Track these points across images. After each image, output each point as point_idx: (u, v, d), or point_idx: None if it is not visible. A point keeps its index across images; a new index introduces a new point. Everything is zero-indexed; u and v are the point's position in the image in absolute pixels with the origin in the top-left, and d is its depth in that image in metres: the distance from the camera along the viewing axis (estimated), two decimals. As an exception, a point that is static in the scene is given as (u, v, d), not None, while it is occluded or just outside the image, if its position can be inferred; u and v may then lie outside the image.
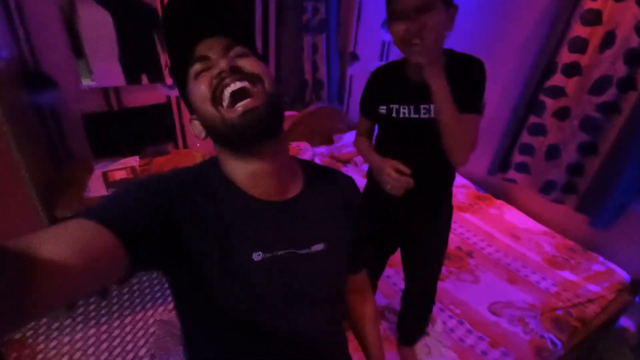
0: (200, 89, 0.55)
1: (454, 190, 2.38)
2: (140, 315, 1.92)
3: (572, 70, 1.83)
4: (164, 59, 2.04)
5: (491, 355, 1.36)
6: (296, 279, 0.62)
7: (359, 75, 2.82)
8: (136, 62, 2.02)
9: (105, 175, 1.87)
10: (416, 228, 1.24)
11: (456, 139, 0.96)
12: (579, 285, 1.70)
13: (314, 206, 0.66)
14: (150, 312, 1.94)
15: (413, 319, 1.44)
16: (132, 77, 2.03)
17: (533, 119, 2.04)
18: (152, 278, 2.14)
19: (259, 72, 0.56)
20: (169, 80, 2.08)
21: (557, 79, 1.89)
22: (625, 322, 1.81)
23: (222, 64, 0.54)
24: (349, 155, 2.72)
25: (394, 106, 1.07)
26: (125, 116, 2.02)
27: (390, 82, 1.09)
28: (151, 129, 2.10)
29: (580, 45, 1.78)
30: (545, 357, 1.37)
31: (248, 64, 0.56)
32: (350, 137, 2.75)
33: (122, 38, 1.93)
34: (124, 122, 2.01)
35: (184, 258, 0.56)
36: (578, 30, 1.77)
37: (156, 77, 2.08)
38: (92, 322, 1.86)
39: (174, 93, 2.15)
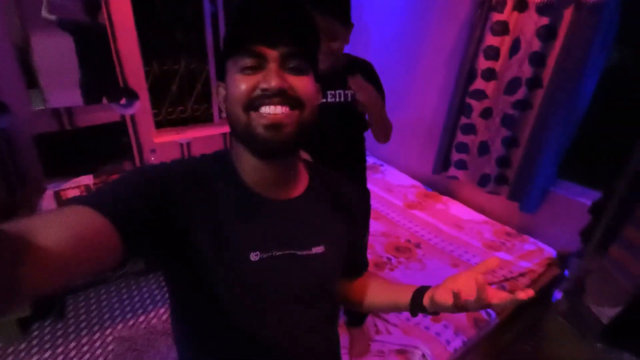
0: (240, 88, 0.53)
1: (405, 190, 2.55)
2: (97, 334, 1.89)
3: (489, 74, 2.08)
4: (121, 80, 2.11)
5: (433, 329, 1.47)
6: (294, 280, 0.62)
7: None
8: (96, 83, 2.08)
9: (57, 194, 1.88)
10: None
11: (387, 128, 1.25)
12: (513, 263, 1.88)
13: (316, 208, 0.66)
14: (108, 331, 1.91)
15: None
16: (91, 98, 2.07)
17: (464, 120, 2.27)
18: (110, 295, 2.12)
19: (305, 98, 0.54)
20: (123, 100, 2.15)
21: (479, 83, 2.13)
22: (558, 295, 2.00)
23: (274, 82, 0.51)
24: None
25: None
26: (77, 135, 2.05)
27: None
28: (105, 147, 2.14)
29: (493, 53, 2.04)
30: (482, 327, 1.50)
31: (299, 86, 0.54)
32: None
33: (83, 61, 1.98)
34: (76, 141, 2.04)
35: (178, 251, 0.55)
36: (490, 40, 2.03)
37: (116, 97, 2.13)
38: (48, 345, 1.81)
39: (129, 112, 2.21)
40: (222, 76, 0.58)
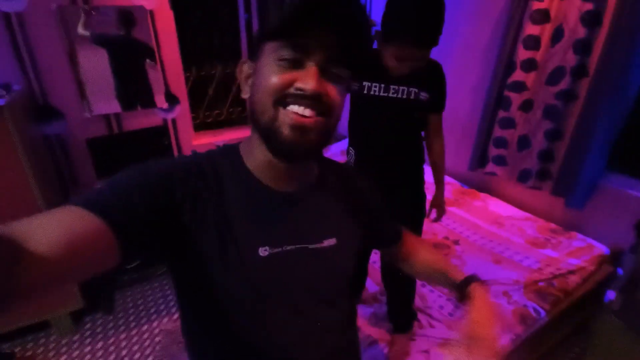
0: (273, 80, 0.50)
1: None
2: (145, 327, 1.98)
3: (529, 65, 2.01)
4: (159, 87, 2.22)
5: (478, 325, 1.43)
6: (306, 275, 0.60)
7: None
8: (131, 92, 2.20)
9: (108, 193, 2.00)
10: (392, 207, 1.35)
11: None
12: (561, 260, 1.79)
13: (326, 199, 0.65)
14: (155, 323, 2.00)
15: (400, 304, 1.48)
16: (127, 106, 2.20)
17: (502, 114, 2.20)
18: (155, 291, 2.22)
19: (334, 106, 0.52)
20: (164, 104, 2.26)
21: (518, 75, 2.06)
22: (611, 295, 1.88)
23: (312, 84, 0.49)
24: (339, 165, 2.87)
25: (366, 84, 1.22)
26: (125, 139, 2.18)
27: (367, 62, 1.23)
28: (149, 149, 2.25)
29: (533, 42, 1.97)
30: (530, 324, 1.44)
31: (332, 93, 0.52)
32: (338, 147, 2.90)
33: (118, 73, 2.12)
34: (123, 144, 2.17)
35: (185, 250, 0.54)
36: (529, 29, 1.96)
37: (149, 103, 2.25)
38: (100, 336, 1.92)
39: (171, 116, 2.32)
40: (253, 55, 0.55)
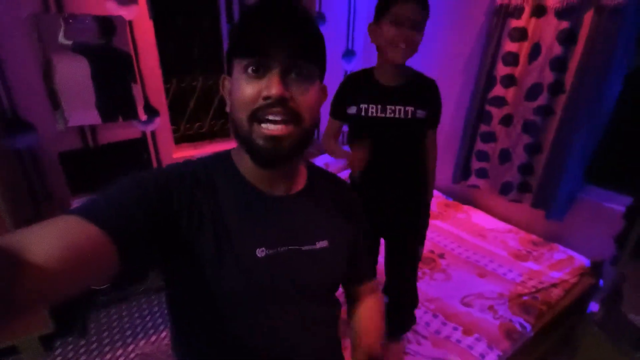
0: (244, 93, 0.53)
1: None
2: (120, 351, 1.88)
3: (508, 81, 2.06)
4: (138, 99, 2.16)
5: (465, 342, 1.41)
6: (300, 275, 0.63)
7: (324, 104, 3.02)
8: (112, 103, 2.13)
9: (82, 209, 1.90)
10: (395, 224, 1.37)
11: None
12: (543, 273, 1.81)
13: (317, 203, 0.67)
14: (131, 347, 1.90)
15: (400, 316, 1.47)
16: (108, 117, 2.13)
17: (484, 128, 2.24)
18: (132, 312, 2.11)
19: (303, 110, 0.55)
20: (143, 117, 2.19)
21: (498, 90, 2.11)
22: (594, 307, 1.91)
23: (274, 90, 0.51)
24: (323, 178, 2.85)
25: (363, 106, 1.22)
26: (101, 152, 2.09)
27: (361, 85, 1.25)
28: (127, 163, 2.17)
29: (512, 59, 2.02)
30: (516, 339, 1.44)
31: (299, 97, 0.54)
32: (321, 160, 2.88)
33: (98, 83, 2.04)
34: (99, 157, 2.08)
35: (182, 255, 0.55)
36: (508, 46, 2.02)
37: (131, 115, 2.18)
38: (71, 362, 1.81)
39: (150, 128, 2.25)
40: (229, 70, 0.59)
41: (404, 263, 1.41)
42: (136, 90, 2.14)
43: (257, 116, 0.53)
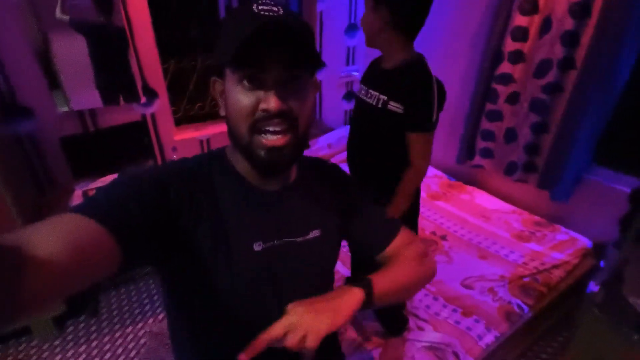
0: (242, 103, 0.54)
1: (428, 180, 2.48)
2: (130, 328, 1.95)
3: (516, 57, 1.98)
4: (139, 79, 2.12)
5: (464, 324, 1.44)
6: (296, 266, 0.64)
7: (327, 81, 2.94)
8: (112, 84, 2.10)
9: (85, 194, 1.92)
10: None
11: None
12: (545, 254, 1.81)
13: (308, 194, 0.69)
14: (140, 325, 1.97)
15: (387, 320, 1.45)
16: (109, 99, 2.10)
17: (489, 106, 2.17)
18: (140, 292, 2.17)
19: (300, 115, 0.56)
20: (143, 99, 2.16)
21: (505, 67, 2.03)
22: (594, 287, 1.92)
23: (274, 104, 0.52)
24: (325, 157, 2.82)
25: (361, 85, 1.22)
26: (101, 136, 2.08)
27: (372, 66, 1.24)
28: (128, 146, 2.17)
29: (521, 34, 1.93)
30: (514, 321, 1.46)
31: (296, 106, 0.55)
32: (324, 140, 2.85)
33: (97, 62, 2.00)
34: (101, 141, 2.08)
35: (181, 251, 0.56)
36: (518, 20, 1.92)
37: (132, 97, 2.15)
38: (83, 340, 1.88)
39: (149, 111, 2.23)
40: (219, 72, 0.59)
41: (362, 268, 1.33)
42: (133, 71, 2.09)
43: (256, 127, 0.54)
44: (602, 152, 1.93)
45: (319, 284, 0.69)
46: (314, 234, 0.67)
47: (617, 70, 1.68)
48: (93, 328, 1.95)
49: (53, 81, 1.93)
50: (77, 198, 1.94)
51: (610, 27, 1.63)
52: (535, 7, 1.87)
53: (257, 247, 0.61)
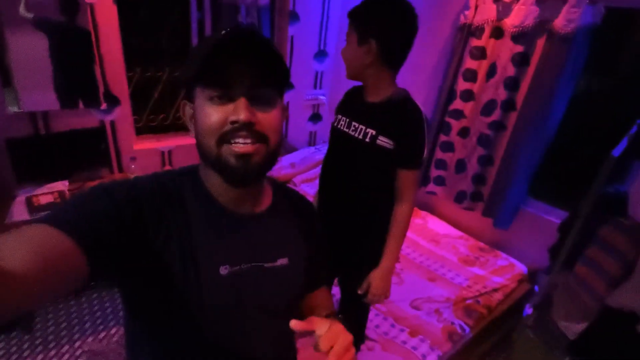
0: (211, 119, 0.55)
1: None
2: (66, 347, 1.82)
3: (467, 96, 2.18)
4: (102, 85, 2.06)
5: (410, 343, 1.50)
6: (261, 292, 0.64)
7: (294, 103, 3.03)
8: (72, 87, 2.01)
9: (29, 200, 1.82)
10: (350, 250, 1.23)
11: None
12: (487, 278, 1.95)
13: (280, 222, 0.69)
14: (77, 344, 1.84)
15: (350, 328, 1.44)
16: (68, 102, 2.01)
17: (443, 138, 2.35)
18: (81, 308, 2.04)
19: (269, 133, 0.57)
20: (104, 105, 2.10)
21: (458, 104, 2.22)
22: (528, 310, 2.08)
23: (242, 115, 0.53)
24: (288, 177, 2.86)
25: (339, 116, 1.18)
26: (53, 140, 1.99)
27: (353, 94, 1.21)
28: (82, 153, 2.08)
29: (471, 76, 2.13)
30: (456, 341, 1.55)
31: (264, 121, 0.56)
32: (287, 159, 2.90)
33: (58, 63, 1.92)
34: (51, 145, 1.98)
35: (149, 269, 0.55)
36: (469, 63, 2.13)
37: (93, 102, 2.08)
38: (14, 358, 1.73)
39: (109, 117, 2.17)
40: (189, 96, 0.60)
41: (347, 301, 1.34)
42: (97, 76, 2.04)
43: (225, 139, 0.55)
44: (537, 186, 2.14)
45: (281, 313, 0.67)
46: (282, 262, 0.67)
47: (552, 112, 1.91)
48: (26, 345, 1.79)
49: (4, 79, 1.83)
50: (19, 204, 1.82)
51: (546, 76, 1.86)
52: (483, 53, 2.08)
53: (224, 270, 0.60)
